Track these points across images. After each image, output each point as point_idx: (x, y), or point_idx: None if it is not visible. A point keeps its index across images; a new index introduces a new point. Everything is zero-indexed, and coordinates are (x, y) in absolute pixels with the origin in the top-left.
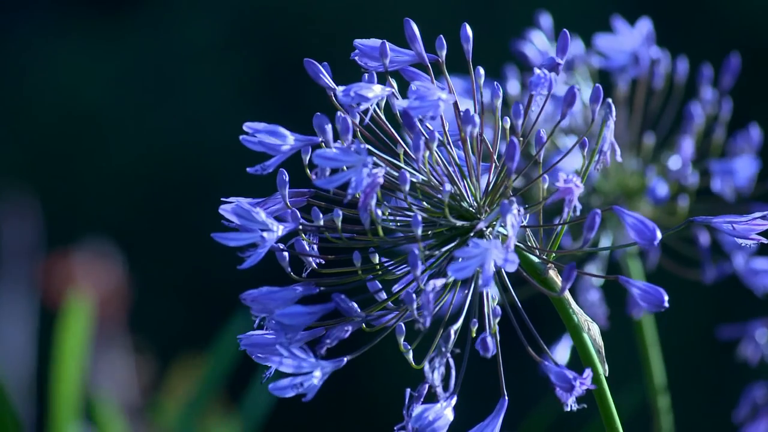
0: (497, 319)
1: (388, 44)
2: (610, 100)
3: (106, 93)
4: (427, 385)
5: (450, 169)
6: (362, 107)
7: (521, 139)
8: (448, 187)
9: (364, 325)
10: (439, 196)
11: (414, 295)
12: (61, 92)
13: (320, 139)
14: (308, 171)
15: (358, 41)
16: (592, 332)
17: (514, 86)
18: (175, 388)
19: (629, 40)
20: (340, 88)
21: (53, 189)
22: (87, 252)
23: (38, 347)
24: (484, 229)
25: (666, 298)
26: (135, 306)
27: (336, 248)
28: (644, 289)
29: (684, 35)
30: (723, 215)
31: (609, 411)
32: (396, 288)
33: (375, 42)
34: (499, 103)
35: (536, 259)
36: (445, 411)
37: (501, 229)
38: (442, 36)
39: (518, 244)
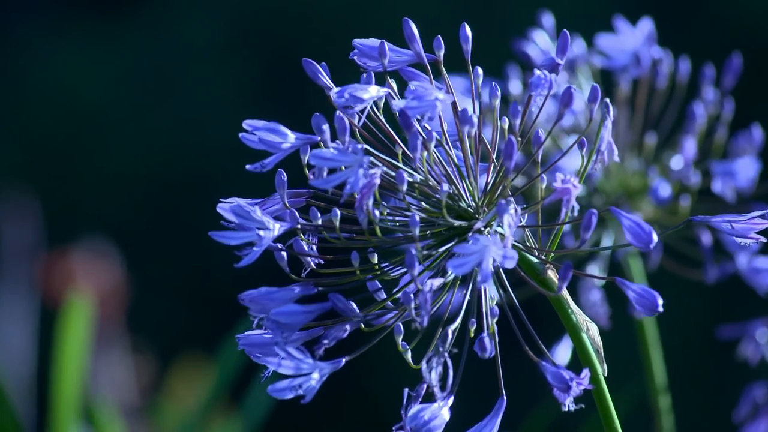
0: (495, 319)
1: (386, 44)
2: (608, 100)
3: (106, 93)
4: (425, 385)
5: (448, 169)
6: (358, 108)
7: (519, 139)
8: (446, 187)
9: (362, 325)
10: (437, 196)
11: (412, 295)
12: (61, 92)
13: (319, 138)
14: (307, 171)
15: (357, 41)
16: (591, 332)
17: (516, 86)
18: (175, 389)
19: (631, 39)
20: (334, 90)
21: (53, 189)
22: (85, 251)
23: (38, 347)
24: (482, 228)
25: (660, 302)
26: (135, 306)
27: (335, 248)
28: (639, 292)
29: (686, 35)
30: (722, 214)
31: (608, 411)
32: (396, 288)
33: (374, 42)
34: (497, 102)
35: (535, 259)
36: (441, 411)
37: (499, 229)
38: (440, 36)
39: (516, 243)
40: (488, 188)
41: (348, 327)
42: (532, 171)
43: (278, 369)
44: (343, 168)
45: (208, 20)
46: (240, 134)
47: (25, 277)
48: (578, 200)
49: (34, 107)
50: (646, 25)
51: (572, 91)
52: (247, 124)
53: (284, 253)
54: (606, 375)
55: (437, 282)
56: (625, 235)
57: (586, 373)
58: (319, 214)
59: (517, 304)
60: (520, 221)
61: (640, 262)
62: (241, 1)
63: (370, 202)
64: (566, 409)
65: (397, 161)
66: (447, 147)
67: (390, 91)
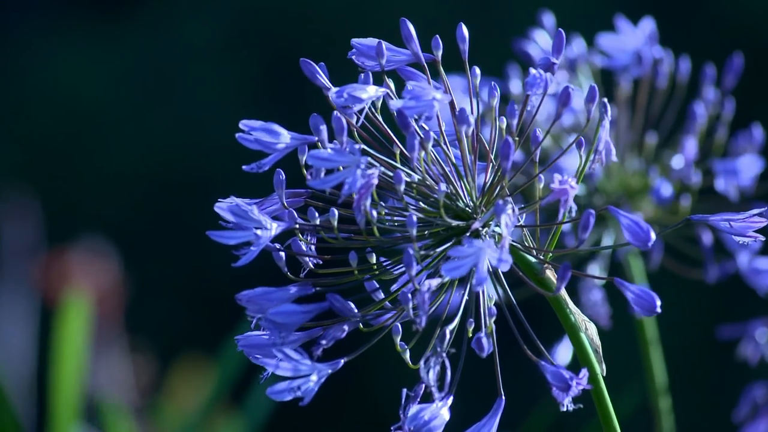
0: (493, 319)
1: (384, 44)
2: (605, 100)
3: (106, 93)
4: (423, 385)
5: (446, 168)
6: (357, 108)
7: (517, 139)
8: (443, 186)
9: (361, 325)
10: (435, 196)
11: (410, 295)
12: (61, 92)
13: (316, 139)
14: (305, 171)
15: (355, 40)
16: (590, 332)
17: (516, 85)
18: (175, 389)
19: (632, 39)
20: (333, 90)
21: (53, 189)
22: (83, 251)
23: (38, 347)
24: (480, 228)
25: (658, 303)
26: (135, 306)
27: (333, 248)
28: (638, 293)
29: (686, 35)
30: (720, 213)
31: (606, 411)
32: (393, 288)
33: (372, 41)
34: (495, 102)
35: (533, 259)
36: (441, 411)
37: (497, 229)
38: (438, 36)
39: (515, 244)
40: (486, 188)
41: (346, 327)
42: (531, 170)
43: (276, 370)
44: (341, 168)
45: (208, 20)
46: (237, 135)
47: (25, 277)
48: (579, 200)
49: (34, 107)
50: (647, 24)
51: (570, 90)
52: (243, 124)
53: (282, 253)
54: (605, 375)
55: (435, 282)
56: (624, 234)
57: (584, 372)
58: (317, 214)
59: (516, 303)
60: (518, 221)
61: (640, 262)
62: (241, 1)
63: (368, 202)
64: (564, 409)
65: (395, 161)
66: (445, 147)
67: (388, 91)
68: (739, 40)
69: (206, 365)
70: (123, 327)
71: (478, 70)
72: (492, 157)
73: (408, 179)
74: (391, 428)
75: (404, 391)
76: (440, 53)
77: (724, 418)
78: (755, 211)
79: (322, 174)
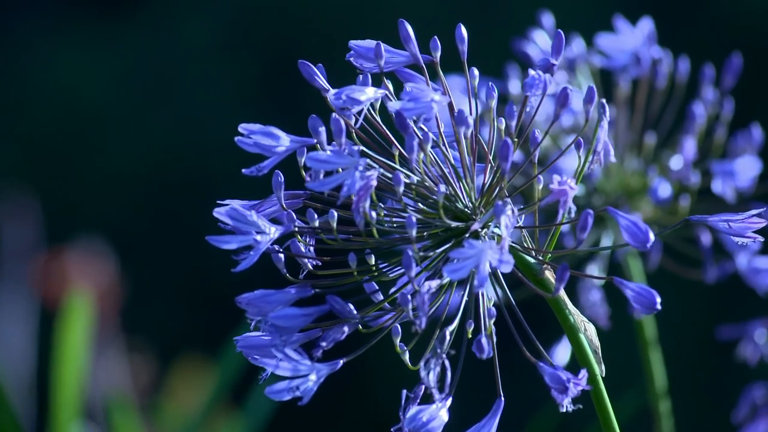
0: (492, 320)
1: (383, 45)
2: (604, 101)
3: (105, 93)
4: (423, 386)
5: (445, 170)
6: (355, 109)
7: (516, 140)
8: (442, 188)
9: (360, 326)
10: (434, 197)
11: (409, 297)
12: (61, 92)
13: (315, 141)
14: (303, 173)
15: (353, 42)
16: (589, 333)
17: (515, 86)
18: (175, 389)
19: (631, 39)
20: (331, 91)
21: (53, 189)
22: (80, 251)
23: (38, 347)
24: (479, 230)
25: (658, 300)
26: (134, 306)
27: (331, 250)
28: (638, 291)
29: (685, 35)
30: (719, 214)
31: (606, 412)
32: (392, 289)
33: (370, 43)
34: (493, 103)
35: (532, 260)
36: (440, 412)
37: (496, 230)
38: (436, 37)
39: (514, 245)
40: (485, 189)
41: (346, 329)
42: (530, 171)
43: (276, 371)
44: (340, 170)
45: (207, 20)
46: (236, 138)
47: (25, 277)
48: (577, 200)
49: (34, 107)
50: (646, 24)
51: (568, 91)
52: (242, 127)
53: (281, 255)
54: (604, 376)
55: (435, 284)
56: (623, 234)
57: (583, 373)
58: (316, 216)
59: (515, 304)
60: (517, 222)
61: (639, 262)
62: (241, 1)
63: (367, 204)
64: (564, 410)
65: (394, 162)
66: (443, 148)
67: (387, 92)
68: (738, 41)
69: (206, 365)
70: (120, 327)
71: (476, 71)
72: (491, 158)
73: (407, 181)
74: (391, 429)
75: (404, 392)
76: (439, 55)
77: (724, 419)
78: (754, 211)
79: (321, 176)
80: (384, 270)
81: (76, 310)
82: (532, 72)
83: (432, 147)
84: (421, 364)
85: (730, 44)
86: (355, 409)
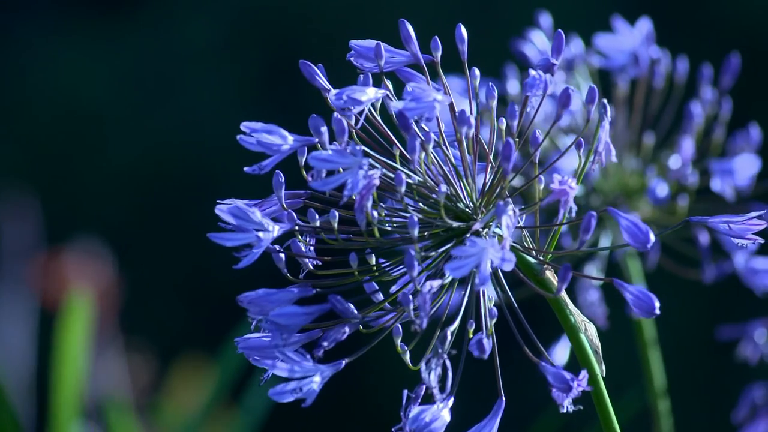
0: (493, 320)
1: (383, 45)
2: (605, 101)
3: (105, 93)
4: (424, 386)
5: (446, 169)
6: (357, 110)
7: (517, 140)
8: (444, 188)
9: (361, 326)
10: (435, 197)
11: (411, 297)
12: (61, 92)
13: (317, 140)
14: (304, 172)
15: (353, 42)
16: (589, 333)
17: (513, 86)
18: (175, 389)
19: (629, 39)
20: (332, 92)
21: (53, 189)
22: (78, 252)
23: (37, 347)
24: (480, 230)
25: (657, 305)
26: (134, 306)
27: (332, 249)
28: (637, 294)
29: (684, 35)
30: (719, 215)
31: (606, 412)
32: (393, 289)
33: (370, 43)
34: (494, 103)
35: (533, 260)
36: (442, 412)
37: (497, 230)
38: (437, 37)
39: (515, 244)
40: (486, 189)
41: (347, 329)
42: (530, 171)
43: (278, 372)
44: (342, 170)
45: (207, 20)
46: (238, 136)
47: (25, 277)
48: (576, 200)
49: (34, 107)
50: (644, 25)
51: (570, 91)
52: (245, 126)
53: (282, 255)
54: (604, 376)
55: (436, 283)
56: (623, 235)
57: (584, 374)
58: (317, 216)
59: (516, 304)
60: (519, 222)
61: (638, 262)
62: (241, 1)
63: (369, 203)
64: (564, 410)
65: (395, 162)
66: (444, 148)
67: (387, 92)
68: (737, 40)
69: (206, 365)
70: (120, 327)
71: (477, 71)
72: (491, 158)
73: (409, 180)
74: (392, 429)
75: (405, 392)
76: (439, 54)
77: (724, 419)
78: (754, 213)
79: (323, 175)
80: (385, 270)
81: (76, 310)
82: (533, 72)
83: (433, 147)
84: (423, 364)
85: (728, 44)
86: (355, 408)
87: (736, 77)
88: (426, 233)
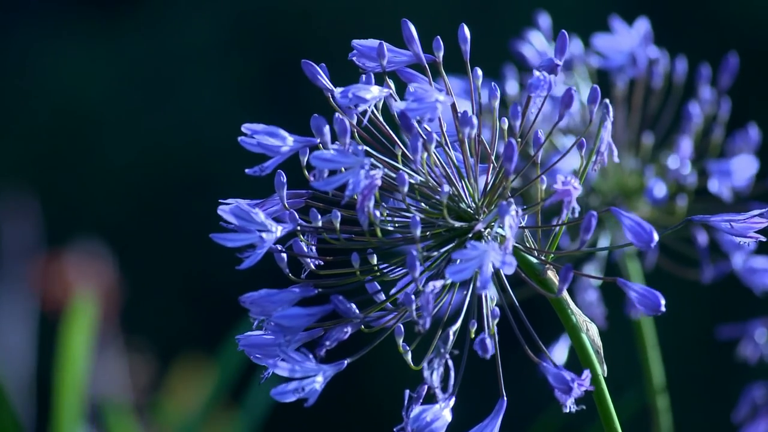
0: (496, 320)
1: (385, 45)
2: (607, 101)
3: (106, 93)
4: (426, 386)
5: (448, 170)
6: (360, 109)
7: (519, 140)
8: (446, 188)
9: (363, 326)
10: (437, 197)
11: (413, 297)
12: (61, 92)
13: (318, 141)
14: (306, 172)
15: (356, 42)
16: (591, 333)
17: (512, 86)
18: (174, 389)
19: (627, 40)
20: (337, 90)
21: (53, 189)
22: (79, 252)
23: (38, 347)
24: (483, 230)
25: (663, 302)
26: (134, 306)
27: (334, 249)
28: (642, 292)
29: (682, 35)
30: (721, 214)
31: (607, 411)
32: (394, 289)
33: (373, 43)
34: (496, 104)
35: (534, 260)
36: (443, 412)
37: (499, 230)
38: (439, 37)
39: (516, 245)
40: (488, 189)
41: (349, 329)
42: (531, 172)
43: (279, 371)
44: (344, 170)
45: (207, 20)
46: (239, 138)
47: (25, 277)
48: (576, 200)
49: (34, 107)
50: (643, 25)
51: (573, 92)
52: (246, 127)
53: (284, 255)
54: (606, 375)
55: (439, 283)
56: (626, 234)
57: (586, 374)
58: (319, 216)
59: (518, 304)
60: (521, 222)
61: (637, 263)
62: (241, 2)
63: (371, 203)
64: (567, 411)
65: (397, 162)
66: (446, 148)
67: (391, 91)
68: (736, 40)
69: (206, 365)
70: (120, 327)
71: (480, 72)
72: (493, 159)
73: (411, 181)
74: (394, 429)
75: (407, 392)
76: (441, 54)
77: (724, 418)
78: (756, 212)
79: (325, 175)
80: (387, 270)
81: (80, 313)
82: (536, 73)
83: (435, 147)
84: (424, 364)
85: (727, 44)
86: (356, 408)
87: (735, 77)
88: (428, 233)
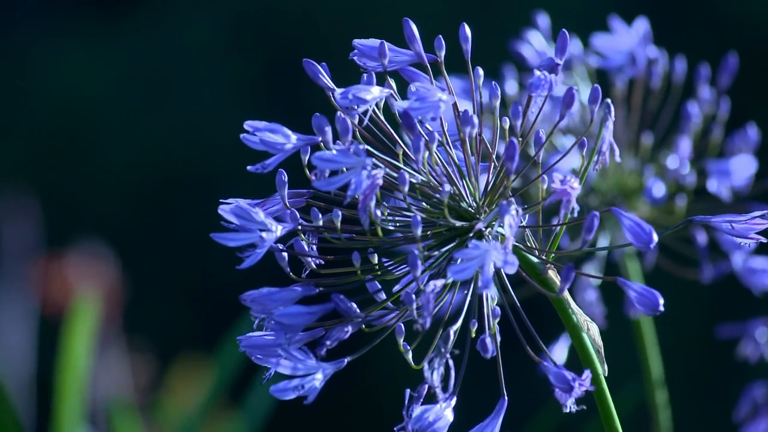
0: (497, 320)
1: (387, 44)
2: (609, 101)
3: (106, 93)
4: (426, 386)
5: (449, 169)
6: (361, 109)
7: (520, 139)
8: (447, 187)
9: (363, 325)
10: (438, 196)
11: (414, 296)
12: (61, 92)
13: (320, 139)
14: (307, 172)
15: (357, 41)
16: (592, 332)
17: (512, 86)
18: (175, 388)
19: (626, 39)
20: (338, 91)
21: (53, 189)
22: (82, 253)
23: (38, 347)
24: (483, 229)
25: (661, 302)
26: (134, 306)
27: (335, 248)
28: (641, 292)
29: (682, 35)
30: (722, 214)
31: (608, 411)
32: (396, 288)
33: (374, 42)
34: (497, 103)
35: (535, 260)
36: (444, 412)
37: (500, 230)
38: (441, 36)
39: (517, 244)
40: (489, 188)
41: (350, 328)
42: (531, 171)
43: (280, 370)
44: (345, 169)
45: (207, 21)
46: (241, 135)
47: (25, 278)
48: (576, 200)
49: (34, 107)
50: (642, 24)
51: (574, 92)
52: (248, 124)
53: (285, 254)
54: (606, 375)
55: (440, 283)
56: (626, 235)
57: (587, 373)
58: (320, 215)
59: (518, 304)
60: (521, 222)
61: (637, 263)
62: (241, 2)
63: (373, 203)
64: (567, 410)
65: (398, 161)
66: (448, 147)
67: (392, 91)
68: (736, 40)
69: (205, 364)
70: (122, 328)
71: (481, 71)
72: (494, 158)
73: (412, 180)
74: (395, 429)
75: (407, 391)
76: (443, 53)
77: (724, 418)
78: (757, 213)
79: (327, 175)
80: (387, 269)
81: (82, 313)
82: (537, 72)
83: (436, 146)
84: (425, 363)
85: (726, 44)
86: (356, 407)
87: (734, 77)
88: (429, 232)
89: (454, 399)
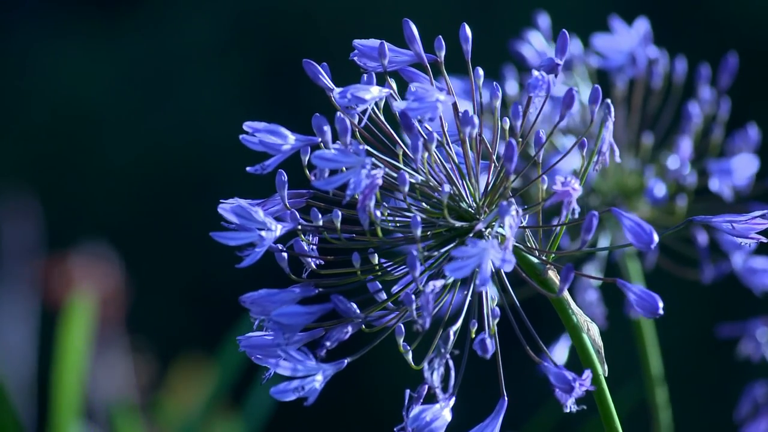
0: (496, 320)
1: (386, 45)
2: (609, 101)
3: (106, 93)
4: (426, 386)
5: (449, 169)
6: (360, 108)
7: (520, 140)
8: (447, 187)
9: (363, 326)
10: (438, 196)
11: (413, 296)
12: (62, 92)
13: (320, 140)
14: (307, 172)
15: (357, 41)
16: (592, 332)
17: (512, 87)
18: (176, 388)
19: (627, 39)
20: (336, 90)
21: (53, 189)
22: (85, 254)
23: (38, 347)
24: (483, 229)
25: (661, 305)
26: (135, 306)
27: (335, 249)
28: (640, 294)
29: (682, 35)
30: (722, 215)
31: (608, 411)
32: (395, 289)
33: (374, 42)
34: (498, 103)
35: (535, 260)
36: (443, 412)
37: (500, 230)
38: (440, 36)
39: (517, 244)
40: (489, 189)
41: (349, 328)
42: (531, 172)
43: (280, 371)
44: (345, 169)
45: (207, 21)
46: (240, 136)
47: (25, 278)
48: (576, 201)
49: (34, 107)
50: (642, 25)
51: (574, 92)
52: (247, 125)
53: (284, 254)
54: (606, 375)
55: (439, 283)
56: (626, 235)
57: (587, 374)
58: (320, 215)
59: (518, 304)
60: (521, 222)
61: (637, 263)
62: (241, 2)
63: (372, 203)
64: (568, 410)
65: (398, 161)
66: (447, 147)
67: (391, 91)
68: (736, 40)
69: (206, 364)
70: (124, 328)
71: (481, 71)
72: (494, 158)
73: (412, 180)
74: (394, 429)
75: (407, 391)
76: (443, 54)
77: (725, 417)
78: (758, 213)
79: (326, 174)
80: (387, 269)
81: (78, 311)
82: (535, 73)
83: (436, 146)
84: (425, 364)
85: (726, 44)
86: (357, 408)
87: (735, 77)
88: (429, 233)
89: (453, 399)
